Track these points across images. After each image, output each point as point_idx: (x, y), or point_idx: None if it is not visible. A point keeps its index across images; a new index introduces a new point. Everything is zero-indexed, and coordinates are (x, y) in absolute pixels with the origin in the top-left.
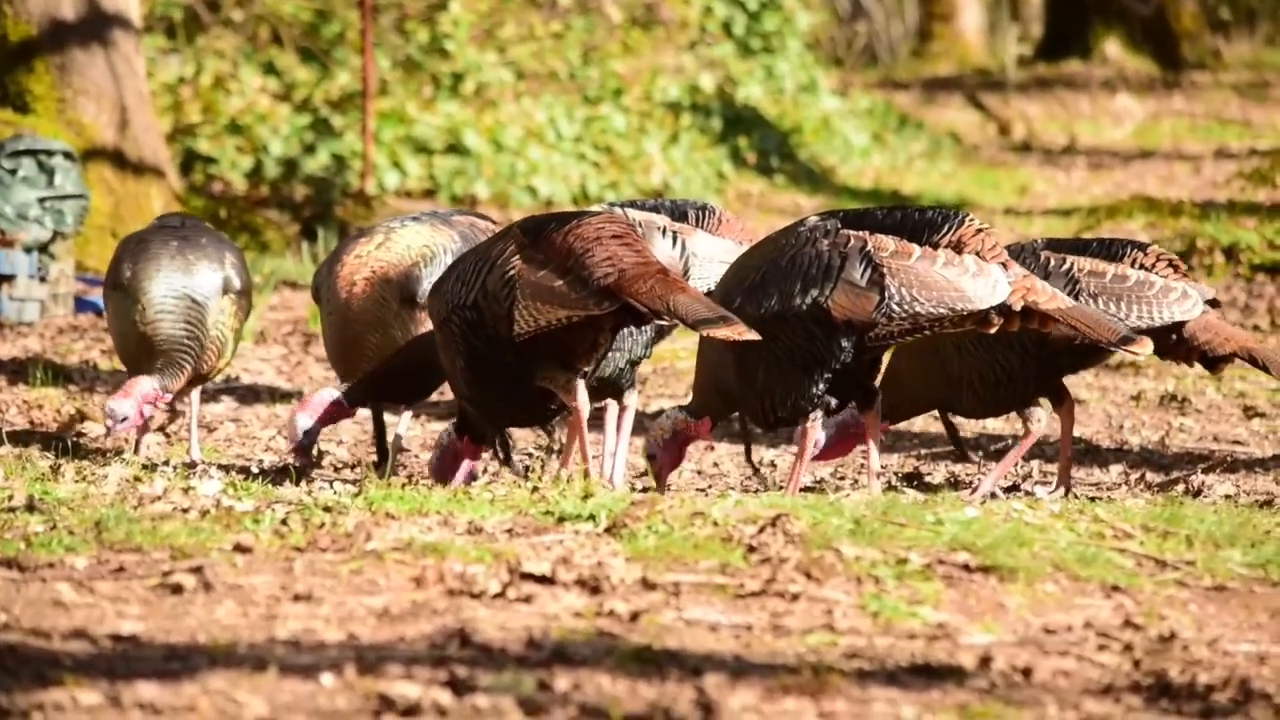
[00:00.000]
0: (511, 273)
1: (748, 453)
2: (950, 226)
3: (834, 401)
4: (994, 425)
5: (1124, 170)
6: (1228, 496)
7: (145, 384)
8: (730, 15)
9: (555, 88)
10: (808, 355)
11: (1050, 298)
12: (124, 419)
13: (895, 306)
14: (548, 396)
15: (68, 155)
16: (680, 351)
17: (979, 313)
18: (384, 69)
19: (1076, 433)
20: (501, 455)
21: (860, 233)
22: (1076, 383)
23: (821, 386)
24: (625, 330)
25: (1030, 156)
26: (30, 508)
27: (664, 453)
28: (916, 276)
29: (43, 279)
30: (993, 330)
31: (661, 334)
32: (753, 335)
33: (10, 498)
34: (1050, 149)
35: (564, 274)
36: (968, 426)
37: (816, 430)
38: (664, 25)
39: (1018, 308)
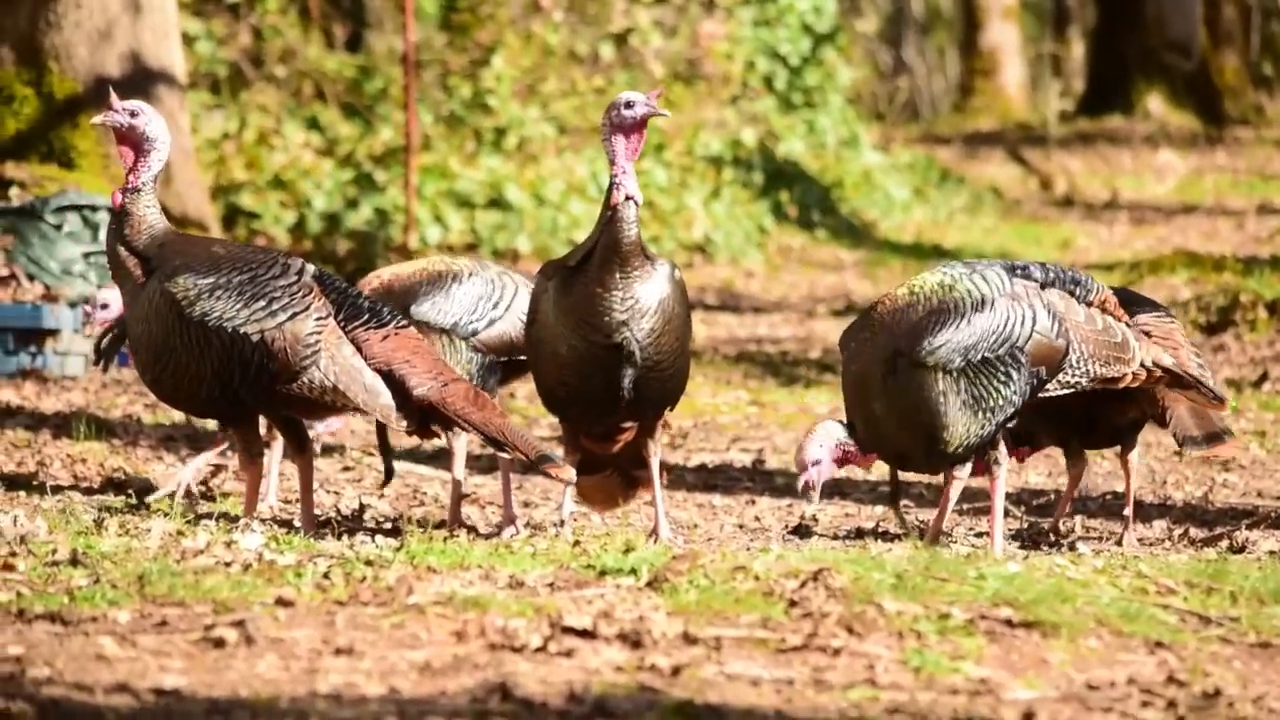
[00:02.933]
0: (317, 339)
1: (896, 504)
2: (1097, 288)
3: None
4: (1035, 480)
5: (1166, 225)
6: (1272, 553)
7: None
8: (772, 70)
9: (597, 142)
10: (998, 398)
11: (1169, 351)
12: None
13: (1077, 361)
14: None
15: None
16: (721, 406)
17: (1125, 373)
18: (427, 124)
19: (1119, 487)
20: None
21: (1041, 290)
22: None
23: (993, 430)
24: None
25: (1072, 211)
26: (74, 562)
27: (830, 460)
28: (1090, 336)
29: (87, 334)
30: (1123, 385)
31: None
32: (569, 475)
33: (54, 551)
34: (1092, 204)
35: (378, 373)
36: (1010, 481)
37: (964, 479)
38: (706, 80)
39: (1149, 364)
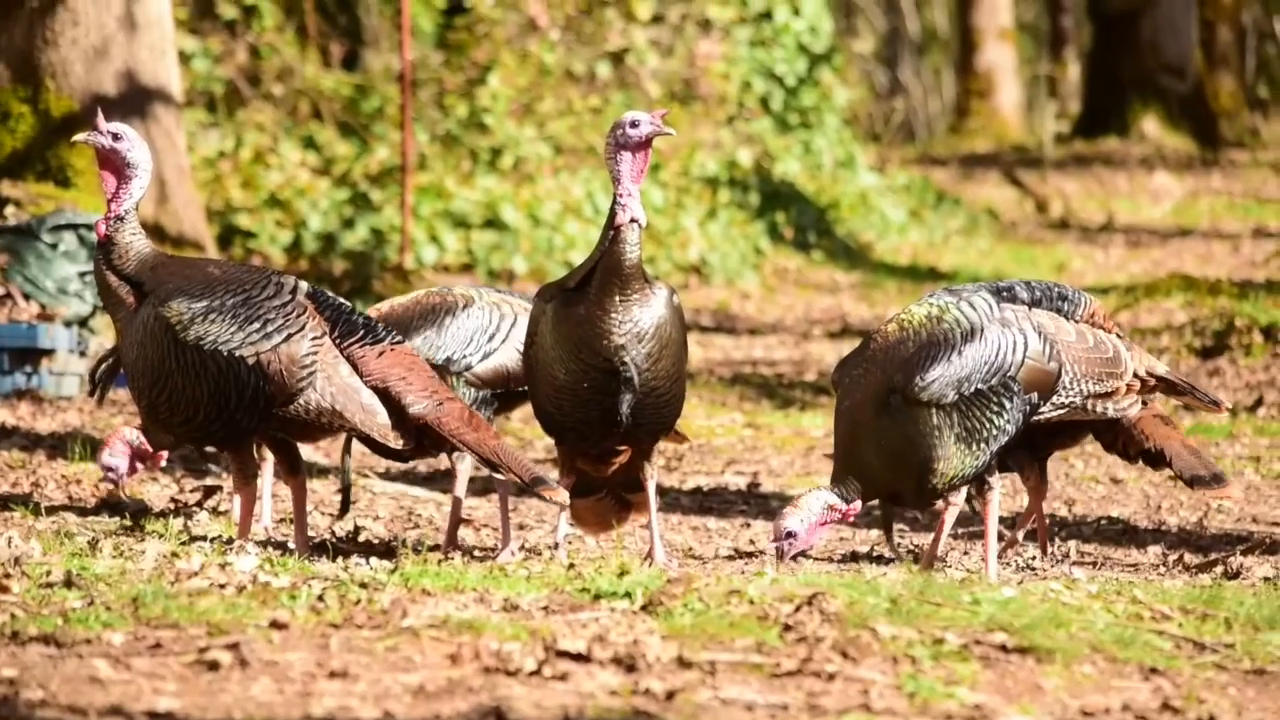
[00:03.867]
0: (313, 361)
1: (889, 533)
2: (1084, 302)
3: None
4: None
5: (1162, 248)
6: (1267, 579)
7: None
8: (768, 91)
9: (593, 162)
10: (992, 428)
11: (1154, 362)
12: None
13: (1069, 383)
14: (237, 440)
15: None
16: (716, 428)
17: (1119, 387)
18: (423, 144)
19: (1114, 512)
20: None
21: (1029, 311)
22: (1115, 462)
23: (987, 460)
24: None
25: (1068, 234)
26: (68, 583)
27: (807, 534)
28: (1081, 355)
29: (82, 353)
30: (1117, 399)
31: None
32: (563, 497)
33: (48, 573)
34: (1088, 227)
35: (374, 390)
36: (1005, 505)
37: (960, 504)
38: (702, 100)
39: (1142, 374)
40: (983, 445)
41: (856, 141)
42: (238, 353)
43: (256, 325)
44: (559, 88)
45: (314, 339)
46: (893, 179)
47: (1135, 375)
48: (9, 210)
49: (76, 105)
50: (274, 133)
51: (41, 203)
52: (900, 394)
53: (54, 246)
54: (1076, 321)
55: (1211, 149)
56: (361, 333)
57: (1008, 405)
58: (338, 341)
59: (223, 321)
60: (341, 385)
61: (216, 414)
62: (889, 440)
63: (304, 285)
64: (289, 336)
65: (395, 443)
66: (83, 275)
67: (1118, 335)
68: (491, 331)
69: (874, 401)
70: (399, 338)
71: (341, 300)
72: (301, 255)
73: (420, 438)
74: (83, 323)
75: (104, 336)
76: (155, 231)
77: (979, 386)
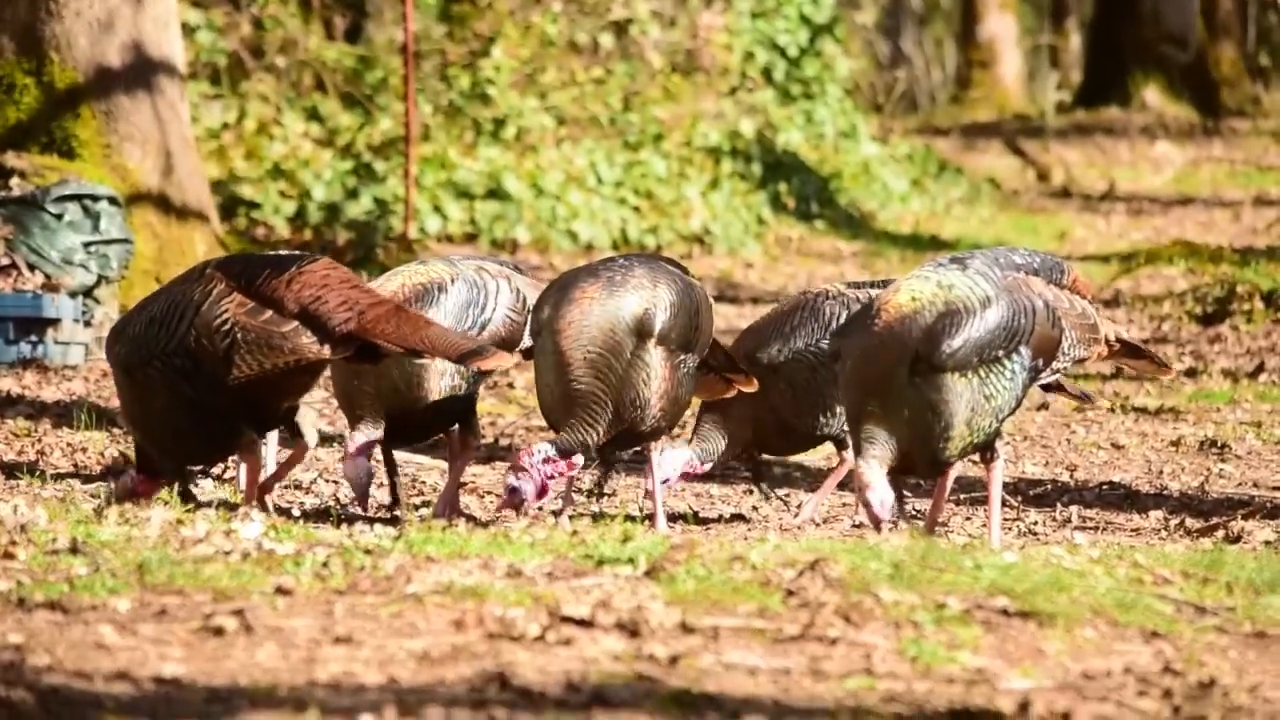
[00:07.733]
0: (226, 317)
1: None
2: (1068, 272)
3: None
4: (1032, 470)
5: (1163, 216)
6: (1267, 543)
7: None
8: (771, 61)
9: (596, 133)
10: (1005, 395)
11: (1118, 328)
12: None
13: (1068, 348)
14: (238, 433)
15: (113, 200)
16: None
17: (1097, 351)
18: (426, 114)
19: (1116, 477)
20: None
21: (1032, 279)
22: (1116, 428)
23: (996, 427)
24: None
25: (1069, 202)
26: (74, 550)
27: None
28: (1075, 321)
29: (87, 323)
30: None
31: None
32: (508, 361)
33: (54, 540)
34: (1089, 195)
35: (294, 319)
36: (1006, 471)
37: (957, 470)
38: (704, 71)
39: (1112, 339)
40: (997, 412)
41: (859, 112)
42: (167, 348)
43: (175, 318)
44: (562, 59)
45: (223, 300)
46: (895, 149)
47: (1106, 341)
48: (13, 181)
49: (81, 78)
50: (277, 104)
51: (46, 174)
52: (926, 362)
53: (59, 217)
54: (1063, 288)
55: (1213, 117)
56: (266, 270)
57: (1018, 371)
58: (247, 290)
59: (150, 333)
60: (258, 327)
61: (200, 417)
62: (909, 409)
63: (216, 260)
64: (198, 309)
65: (331, 356)
66: (87, 246)
67: (1089, 301)
68: (481, 303)
69: (896, 372)
70: (313, 257)
71: (252, 254)
72: (306, 226)
73: (356, 347)
74: (87, 293)
75: (108, 307)
76: (160, 202)
77: (997, 353)
